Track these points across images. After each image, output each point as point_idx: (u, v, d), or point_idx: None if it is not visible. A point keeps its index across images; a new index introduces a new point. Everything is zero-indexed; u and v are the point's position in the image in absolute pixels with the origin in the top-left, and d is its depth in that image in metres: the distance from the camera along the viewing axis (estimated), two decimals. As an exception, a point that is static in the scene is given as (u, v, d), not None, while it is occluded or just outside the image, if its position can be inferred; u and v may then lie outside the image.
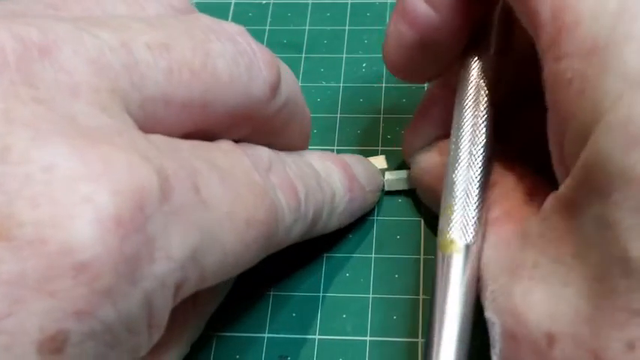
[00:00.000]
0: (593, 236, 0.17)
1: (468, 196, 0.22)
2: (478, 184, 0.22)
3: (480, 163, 0.22)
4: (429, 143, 0.26)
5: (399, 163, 0.29)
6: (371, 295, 0.26)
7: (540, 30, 0.18)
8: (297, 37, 0.33)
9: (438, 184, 0.24)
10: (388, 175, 0.28)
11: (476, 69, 0.23)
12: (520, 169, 0.23)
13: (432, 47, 0.23)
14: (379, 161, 0.28)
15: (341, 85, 0.32)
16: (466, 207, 0.21)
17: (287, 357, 0.25)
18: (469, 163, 0.22)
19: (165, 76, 0.18)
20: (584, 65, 0.17)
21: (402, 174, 0.28)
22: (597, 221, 0.17)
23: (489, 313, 0.20)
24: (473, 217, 0.21)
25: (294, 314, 0.25)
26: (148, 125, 0.17)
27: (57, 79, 0.16)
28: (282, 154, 0.22)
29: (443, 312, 0.20)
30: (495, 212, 0.22)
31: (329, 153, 0.26)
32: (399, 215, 0.28)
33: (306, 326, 0.25)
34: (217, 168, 0.19)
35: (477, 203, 0.21)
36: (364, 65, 0.32)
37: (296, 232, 0.22)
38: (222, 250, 0.18)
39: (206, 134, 0.20)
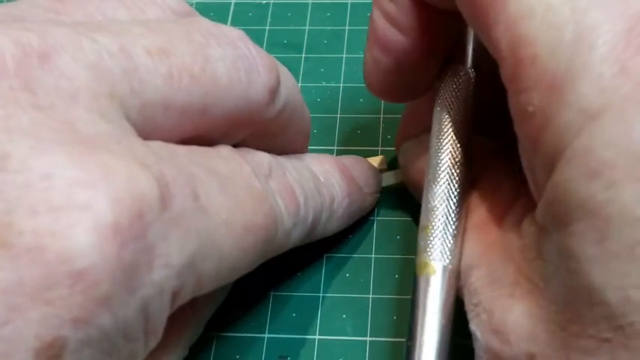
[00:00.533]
0: (558, 264, 0.17)
1: (447, 217, 0.22)
2: (456, 205, 0.22)
3: (459, 184, 0.22)
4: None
5: (398, 163, 0.29)
6: (371, 296, 0.26)
7: (502, 61, 0.18)
8: (297, 37, 0.33)
9: (421, 176, 0.24)
10: (388, 175, 0.28)
11: (450, 87, 0.23)
12: (503, 170, 0.23)
13: (409, 69, 0.23)
14: (379, 161, 0.28)
15: (341, 85, 0.32)
16: (445, 229, 0.21)
17: (287, 357, 0.25)
18: (448, 185, 0.22)
19: (165, 80, 0.18)
20: (544, 100, 0.17)
21: (401, 173, 0.28)
22: (561, 250, 0.17)
23: (473, 327, 0.20)
24: (450, 238, 0.21)
25: (294, 314, 0.25)
26: (147, 130, 0.17)
27: (56, 85, 0.16)
28: (282, 159, 0.22)
29: (422, 336, 0.20)
30: (475, 219, 0.22)
31: (327, 156, 0.26)
32: (399, 215, 0.28)
33: (306, 326, 0.25)
34: (216, 174, 0.19)
35: (455, 224, 0.22)
36: (364, 65, 0.32)
37: (295, 237, 0.22)
38: (220, 256, 0.18)
39: (205, 138, 0.20)
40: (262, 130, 0.21)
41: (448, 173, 0.22)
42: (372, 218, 0.27)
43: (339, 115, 0.31)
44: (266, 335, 0.25)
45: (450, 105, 0.23)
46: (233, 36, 0.20)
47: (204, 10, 0.34)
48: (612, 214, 0.15)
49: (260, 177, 0.20)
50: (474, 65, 0.24)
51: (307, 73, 0.32)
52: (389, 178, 0.28)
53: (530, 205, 0.19)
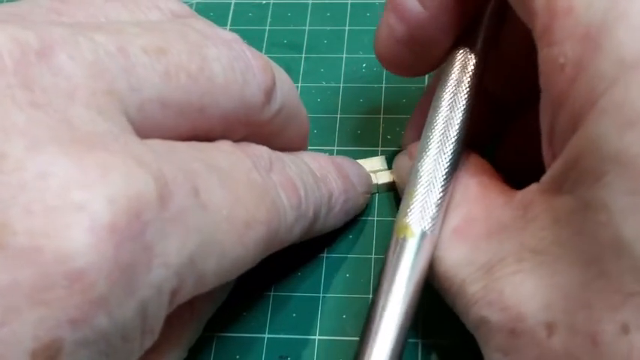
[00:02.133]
0: (582, 221, 0.17)
1: (432, 184, 0.22)
2: (444, 175, 0.22)
3: (450, 154, 0.22)
4: None
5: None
6: (371, 296, 0.26)
7: (534, 17, 0.18)
8: (297, 37, 0.33)
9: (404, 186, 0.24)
10: (388, 174, 0.28)
11: (459, 62, 0.23)
12: (489, 163, 0.23)
13: (422, 42, 0.23)
14: (378, 162, 0.28)
15: (341, 85, 0.32)
16: (428, 194, 0.21)
17: (287, 357, 0.25)
18: (438, 153, 0.22)
19: (162, 79, 0.18)
20: (577, 51, 0.17)
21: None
22: (587, 205, 0.17)
23: (481, 312, 0.20)
24: (433, 206, 0.21)
25: (294, 315, 0.25)
26: (145, 128, 0.17)
27: (54, 83, 0.16)
28: (280, 154, 0.22)
29: (388, 295, 0.20)
30: (463, 208, 0.22)
31: (322, 154, 0.26)
32: (399, 215, 0.28)
33: (307, 327, 0.25)
34: (217, 169, 0.19)
35: (440, 193, 0.21)
36: (364, 65, 0.32)
37: (297, 231, 0.22)
38: (221, 253, 0.18)
39: (202, 139, 0.20)
40: (259, 130, 0.21)
41: (439, 146, 0.22)
42: (372, 218, 0.27)
43: (339, 115, 0.31)
44: (266, 335, 0.25)
45: (453, 83, 0.23)
46: (228, 38, 0.20)
47: (204, 11, 0.34)
48: None
49: (261, 170, 0.20)
50: (483, 47, 0.24)
51: (307, 73, 0.32)
52: (389, 178, 0.28)
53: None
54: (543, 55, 0.18)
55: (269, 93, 0.21)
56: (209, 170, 0.18)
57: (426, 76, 0.31)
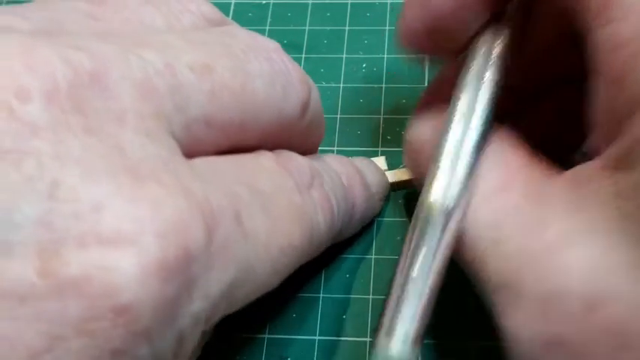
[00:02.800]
0: None
1: (458, 157, 0.20)
2: (472, 147, 0.20)
3: (478, 128, 0.21)
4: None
5: (399, 163, 0.29)
6: (371, 296, 0.26)
7: None
8: (297, 37, 0.33)
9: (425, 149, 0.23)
10: (388, 175, 0.28)
11: (487, 41, 0.22)
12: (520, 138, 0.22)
13: (447, 31, 0.23)
14: (379, 162, 0.28)
15: (341, 85, 0.32)
16: (454, 167, 0.20)
17: (287, 358, 0.25)
18: (465, 123, 0.21)
19: (208, 97, 0.18)
20: (638, 27, 0.17)
21: (401, 174, 0.28)
22: None
23: (512, 275, 0.18)
24: (460, 179, 0.20)
25: (294, 315, 0.25)
26: (190, 146, 0.17)
27: (106, 107, 0.16)
28: (317, 165, 0.22)
29: (409, 273, 0.19)
30: (494, 174, 0.20)
31: (347, 159, 0.25)
32: (399, 216, 0.28)
33: (307, 327, 0.25)
34: (259, 193, 0.18)
35: (467, 167, 0.20)
36: (364, 65, 0.32)
37: (325, 246, 0.22)
38: (254, 279, 0.18)
39: (236, 150, 0.19)
40: (288, 140, 0.21)
41: (464, 120, 0.21)
42: (374, 219, 0.27)
43: (339, 116, 0.31)
44: (266, 336, 0.25)
45: (481, 61, 0.22)
46: (269, 48, 0.20)
47: (204, 10, 0.34)
48: None
49: (302, 189, 0.20)
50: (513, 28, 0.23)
51: (307, 73, 0.32)
52: (390, 178, 0.28)
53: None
54: (599, 35, 0.18)
55: (305, 105, 0.21)
56: (252, 194, 0.18)
57: (426, 78, 0.31)
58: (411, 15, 0.23)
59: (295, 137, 0.22)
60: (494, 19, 0.23)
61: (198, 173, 0.17)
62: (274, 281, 0.19)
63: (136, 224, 0.15)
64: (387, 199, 0.28)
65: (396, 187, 0.28)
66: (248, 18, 0.34)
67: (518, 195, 0.19)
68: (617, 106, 0.18)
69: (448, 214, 0.20)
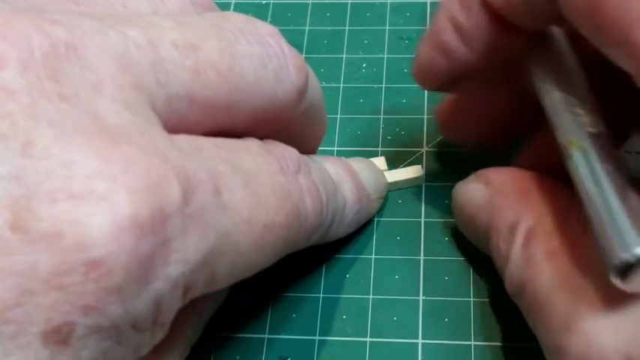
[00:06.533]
0: None
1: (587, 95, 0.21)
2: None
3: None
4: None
5: (399, 163, 0.29)
6: (371, 296, 0.26)
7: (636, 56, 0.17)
8: (297, 37, 0.33)
9: (478, 214, 0.24)
10: (388, 175, 0.28)
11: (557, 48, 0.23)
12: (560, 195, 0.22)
13: (463, 73, 0.23)
14: (379, 163, 0.28)
15: (341, 85, 0.32)
16: (581, 104, 0.21)
17: (287, 358, 0.25)
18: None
19: (191, 75, 0.18)
20: None
21: (401, 174, 0.28)
22: None
23: (560, 340, 0.19)
24: (590, 107, 0.21)
25: (294, 315, 0.25)
26: (172, 122, 0.17)
27: (82, 76, 0.16)
28: (306, 157, 0.22)
29: (603, 193, 0.19)
30: (553, 241, 0.21)
31: (339, 159, 0.26)
32: (399, 216, 0.28)
33: (307, 327, 0.25)
34: (241, 170, 0.18)
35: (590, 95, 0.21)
36: (364, 65, 0.32)
37: (315, 237, 0.22)
38: (237, 254, 0.18)
39: (228, 134, 0.19)
40: (285, 129, 0.21)
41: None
42: (373, 219, 0.27)
43: (339, 116, 0.31)
44: (266, 336, 0.25)
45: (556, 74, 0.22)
46: (265, 32, 0.20)
47: (204, 10, 0.34)
48: None
49: (287, 173, 0.20)
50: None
51: (307, 73, 0.32)
52: (390, 179, 0.28)
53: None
54: None
55: (302, 92, 0.20)
56: (233, 171, 0.18)
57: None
58: (429, 62, 0.23)
59: (292, 127, 0.22)
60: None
61: (178, 146, 0.17)
62: (260, 260, 0.19)
63: (108, 181, 0.15)
64: (385, 198, 0.28)
65: (395, 187, 0.28)
66: (248, 18, 0.34)
67: (570, 260, 0.20)
68: None
69: (596, 139, 0.20)
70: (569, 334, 0.19)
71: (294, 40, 0.33)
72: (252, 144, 0.20)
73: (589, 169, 0.20)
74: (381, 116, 0.30)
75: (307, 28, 0.34)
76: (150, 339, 0.17)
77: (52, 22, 0.16)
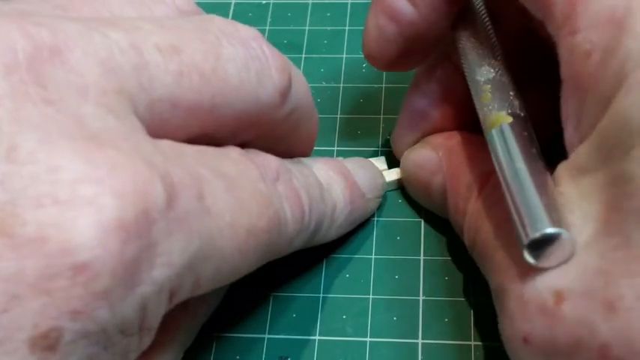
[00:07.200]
0: (608, 194, 0.18)
1: (501, 74, 0.22)
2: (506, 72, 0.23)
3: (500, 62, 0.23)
4: (419, 135, 0.27)
5: (399, 163, 0.28)
6: (371, 296, 0.26)
7: (552, 8, 0.19)
8: (297, 37, 0.33)
9: (432, 178, 0.26)
10: (388, 174, 0.28)
11: (471, 25, 0.24)
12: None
13: (413, 39, 0.24)
14: (379, 162, 0.28)
15: (341, 85, 0.32)
16: (502, 86, 0.22)
17: (287, 358, 0.25)
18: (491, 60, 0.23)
19: (174, 78, 0.18)
20: (602, 36, 0.18)
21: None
22: (615, 178, 0.17)
23: (497, 279, 0.21)
24: (511, 91, 0.22)
25: (294, 315, 0.25)
26: (154, 127, 0.17)
27: (66, 80, 0.16)
28: (288, 163, 0.22)
29: (515, 172, 0.20)
30: (497, 192, 0.22)
31: (331, 161, 0.26)
32: (399, 216, 0.28)
33: (307, 327, 0.25)
34: (223, 176, 0.19)
35: (509, 78, 0.22)
36: (364, 65, 0.32)
37: (297, 243, 0.22)
38: (220, 258, 0.18)
39: (212, 137, 0.20)
40: (270, 131, 0.21)
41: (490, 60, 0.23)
42: (373, 219, 0.27)
43: (339, 116, 0.31)
44: (266, 336, 0.25)
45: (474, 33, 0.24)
46: (247, 35, 0.20)
47: (205, 10, 0.34)
48: None
49: (267, 181, 0.20)
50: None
51: (307, 73, 0.32)
52: (389, 178, 0.28)
53: None
54: (566, 45, 0.19)
55: (284, 94, 0.21)
56: (215, 176, 0.18)
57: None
58: (378, 30, 0.24)
59: (278, 129, 0.22)
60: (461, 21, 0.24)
61: (161, 151, 0.17)
62: (243, 265, 0.19)
63: (93, 185, 0.15)
64: (385, 198, 0.28)
65: (394, 186, 0.28)
66: (248, 18, 0.34)
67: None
68: (586, 112, 0.18)
69: (517, 118, 0.22)
70: (509, 275, 0.20)
71: (294, 40, 0.33)
72: (232, 152, 0.20)
73: (504, 150, 0.21)
74: (381, 116, 0.30)
75: (307, 28, 0.34)
76: (137, 344, 0.17)
77: (36, 24, 0.16)
